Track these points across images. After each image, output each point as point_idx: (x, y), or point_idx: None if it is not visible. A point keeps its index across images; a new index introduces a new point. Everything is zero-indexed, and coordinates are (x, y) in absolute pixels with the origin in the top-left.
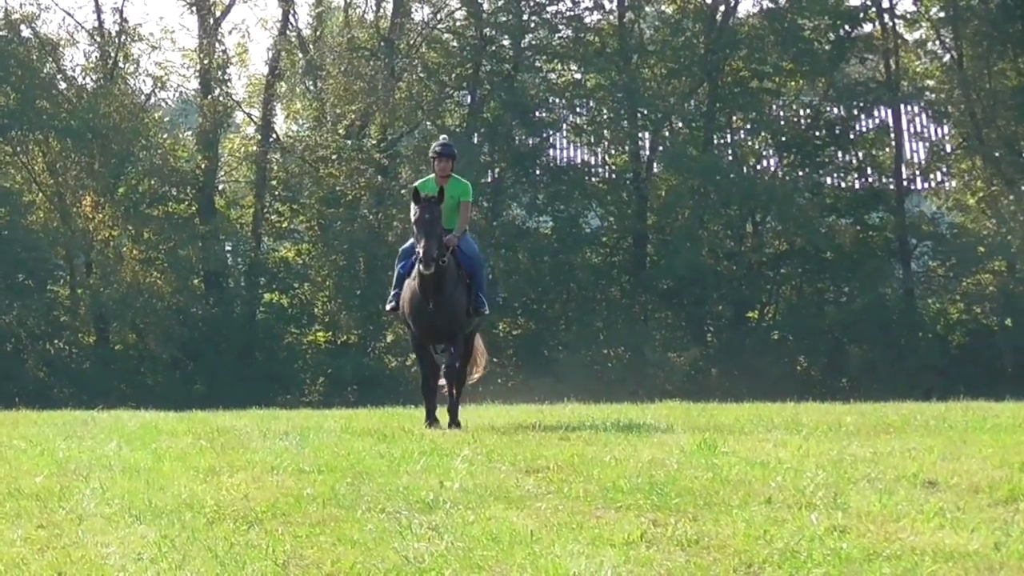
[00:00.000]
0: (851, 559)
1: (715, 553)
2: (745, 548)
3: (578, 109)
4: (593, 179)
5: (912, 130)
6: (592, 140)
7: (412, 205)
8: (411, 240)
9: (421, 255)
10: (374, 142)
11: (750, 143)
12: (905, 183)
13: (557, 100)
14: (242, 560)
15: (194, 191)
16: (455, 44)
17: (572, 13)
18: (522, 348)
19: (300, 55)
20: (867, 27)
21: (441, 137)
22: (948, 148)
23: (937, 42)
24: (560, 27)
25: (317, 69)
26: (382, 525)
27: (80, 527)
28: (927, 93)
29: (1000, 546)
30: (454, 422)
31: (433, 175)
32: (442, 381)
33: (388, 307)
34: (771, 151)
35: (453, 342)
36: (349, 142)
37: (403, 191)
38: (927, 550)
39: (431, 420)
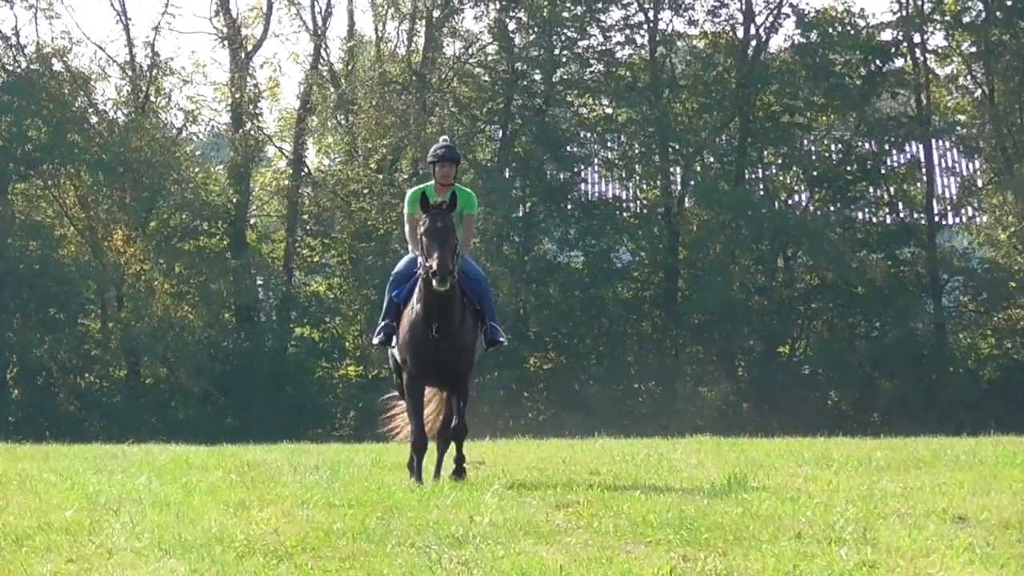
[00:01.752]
0: None
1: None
2: None
3: (609, 143)
4: (624, 214)
5: (943, 165)
6: (623, 175)
7: (411, 215)
8: (402, 263)
9: (435, 268)
10: (405, 176)
11: (781, 178)
12: (936, 218)
13: (588, 135)
14: None
15: (225, 225)
16: (487, 79)
17: (603, 48)
18: (553, 382)
19: (332, 89)
20: (898, 62)
21: (441, 139)
22: (979, 183)
23: (968, 77)
24: (591, 62)
25: (349, 103)
26: (412, 560)
27: (110, 561)
28: (958, 128)
29: None
30: (461, 472)
31: (432, 183)
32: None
33: (376, 339)
34: (802, 186)
35: (459, 387)
36: (380, 176)
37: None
38: None
39: (419, 473)
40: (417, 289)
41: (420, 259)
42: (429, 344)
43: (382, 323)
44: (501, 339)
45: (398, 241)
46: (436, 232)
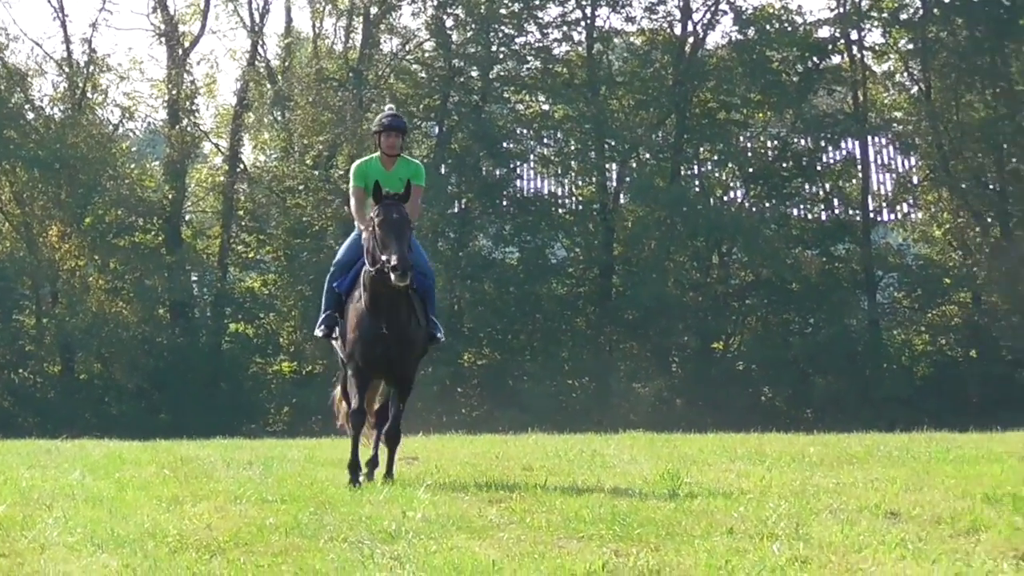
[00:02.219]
0: None
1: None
2: None
3: (545, 140)
4: (560, 210)
5: (879, 162)
6: (559, 171)
7: (356, 187)
8: (343, 251)
9: (394, 262)
10: (341, 172)
11: (717, 174)
12: (872, 215)
13: (525, 131)
14: None
15: (161, 221)
16: (423, 75)
17: (541, 44)
18: (487, 378)
19: (268, 86)
20: (835, 59)
21: (387, 107)
22: (915, 180)
23: (905, 74)
24: (529, 58)
25: (285, 100)
26: (344, 555)
27: (43, 556)
28: (894, 125)
29: None
30: (391, 473)
31: (377, 154)
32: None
33: (319, 332)
34: (738, 182)
35: (405, 383)
36: (316, 172)
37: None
38: None
39: (355, 462)
40: (362, 280)
41: (372, 250)
42: (379, 339)
43: (324, 314)
44: (439, 335)
45: (333, 237)
46: (392, 224)
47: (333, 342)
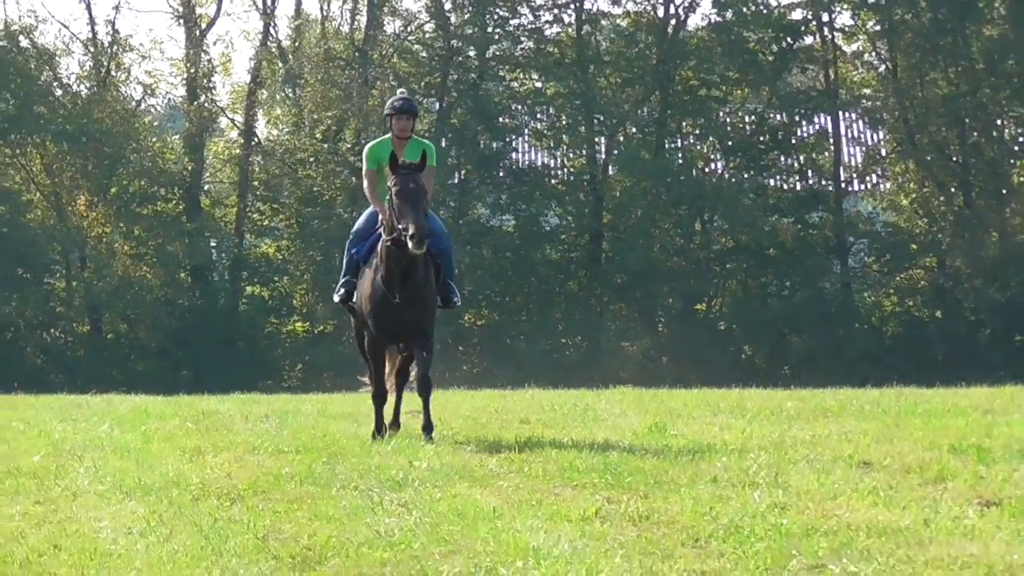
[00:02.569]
0: (791, 534)
1: (664, 528)
2: (692, 524)
3: (538, 115)
4: (552, 181)
5: (849, 135)
6: (551, 144)
7: (369, 170)
8: (362, 220)
9: (413, 231)
10: (349, 146)
11: (699, 147)
12: (843, 185)
13: (519, 107)
14: (225, 534)
15: (181, 191)
16: (424, 55)
17: (533, 26)
18: (486, 338)
19: (280, 64)
20: (808, 39)
21: (399, 91)
22: (883, 152)
23: (873, 53)
24: (522, 39)
25: (296, 78)
26: (355, 502)
27: (74, 503)
28: (863, 101)
29: (929, 522)
30: (429, 436)
31: (389, 135)
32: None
33: (337, 297)
34: (718, 155)
35: (423, 341)
36: (326, 146)
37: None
38: (861, 526)
39: (382, 432)
40: (379, 248)
41: (388, 219)
42: (392, 307)
43: (343, 279)
44: (455, 299)
45: (342, 206)
46: (409, 193)
47: (353, 304)
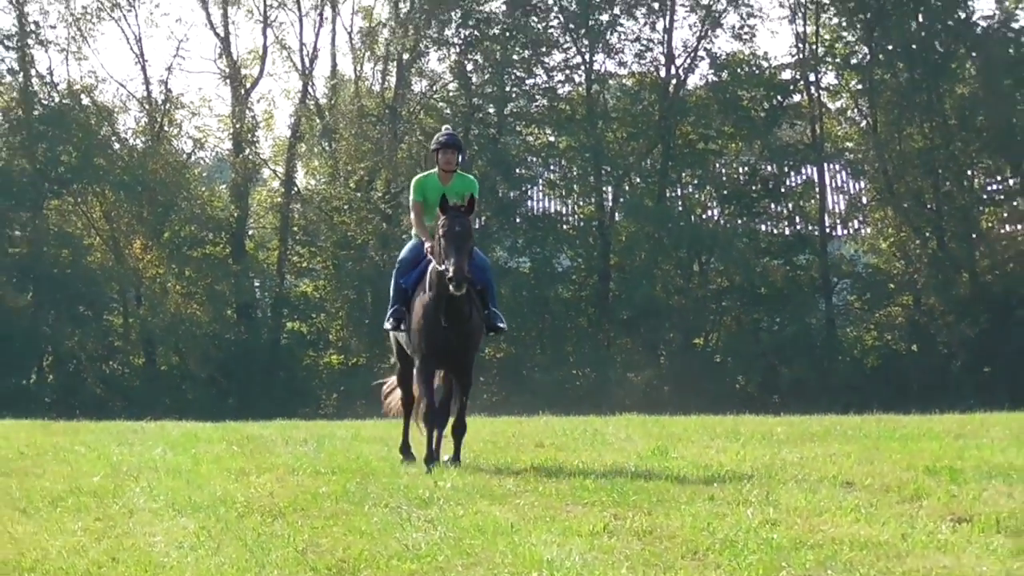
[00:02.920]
0: (781, 548)
1: (666, 542)
2: (691, 538)
3: (552, 167)
4: (564, 226)
5: (833, 185)
6: (563, 193)
7: (416, 202)
8: (407, 249)
9: (452, 273)
10: (380, 194)
11: (697, 196)
12: (827, 230)
13: (534, 159)
14: (268, 548)
15: (227, 236)
16: (448, 112)
17: (547, 85)
18: (504, 369)
19: (317, 120)
20: (796, 97)
21: (444, 127)
22: (864, 200)
23: (855, 110)
24: (537, 97)
25: (332, 132)
26: (386, 518)
27: (131, 520)
28: (846, 153)
29: (906, 537)
30: (458, 459)
31: (435, 170)
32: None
33: (388, 324)
34: (714, 203)
35: (465, 373)
36: (359, 194)
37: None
38: (845, 540)
39: (433, 460)
40: (427, 277)
41: (435, 256)
42: (441, 331)
43: (392, 308)
44: (501, 325)
45: (373, 249)
46: (455, 236)
47: (400, 334)
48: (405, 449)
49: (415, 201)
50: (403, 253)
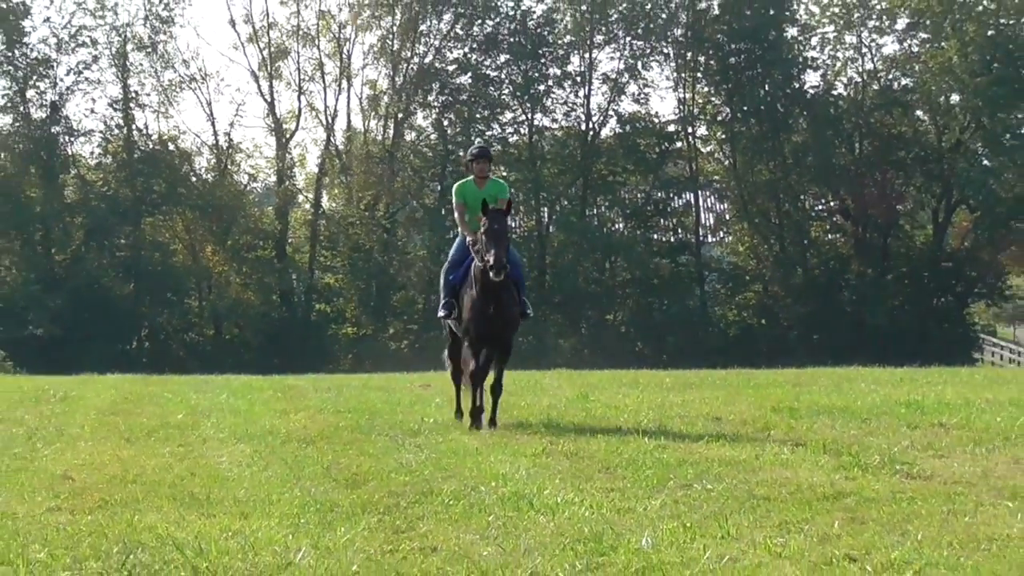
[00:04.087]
0: (669, 464)
1: (587, 460)
2: (605, 458)
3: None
4: (513, 236)
5: (705, 206)
6: (513, 213)
7: (458, 203)
8: (454, 250)
9: (492, 263)
10: (381, 213)
11: (608, 214)
12: (701, 238)
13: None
14: (302, 466)
15: (273, 243)
16: (430, 155)
17: (501, 135)
18: None
19: (337, 161)
20: (678, 144)
21: (477, 141)
22: (727, 217)
23: (721, 153)
24: (495, 143)
25: (347, 169)
26: (386, 444)
27: (204, 446)
28: (714, 184)
29: (759, 456)
30: (495, 423)
31: (471, 177)
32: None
33: (442, 313)
34: (620, 219)
35: (505, 350)
36: (367, 213)
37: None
38: (715, 459)
39: (478, 420)
40: (472, 273)
41: (478, 251)
42: (488, 318)
43: (444, 300)
44: (528, 311)
45: (378, 253)
46: (494, 233)
47: (451, 321)
48: (458, 412)
49: (457, 203)
50: (451, 254)
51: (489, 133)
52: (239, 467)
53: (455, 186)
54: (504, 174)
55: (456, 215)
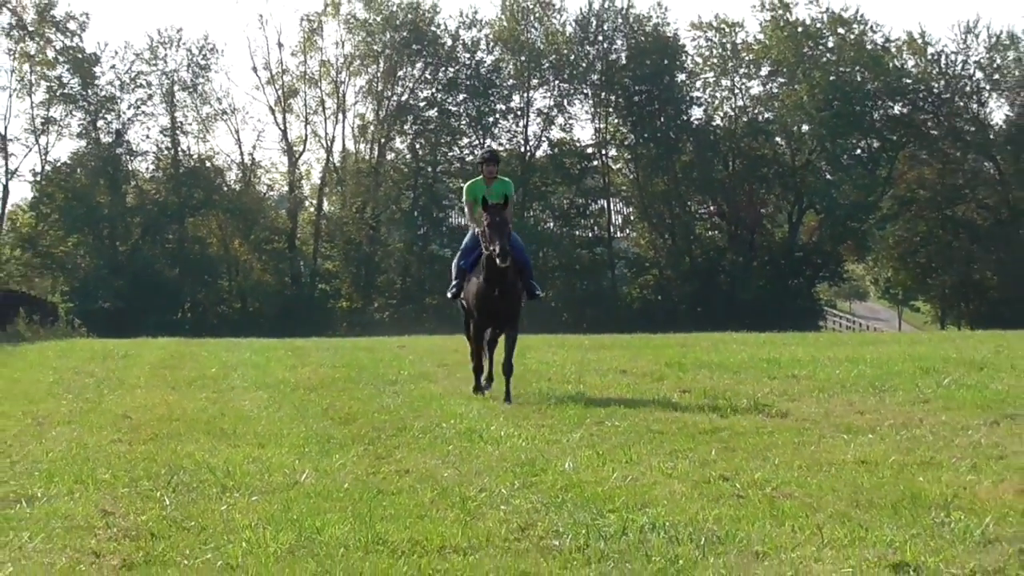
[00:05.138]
0: (587, 406)
1: (524, 404)
2: (537, 402)
3: (458, 203)
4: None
5: (616, 209)
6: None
7: (469, 201)
8: (468, 238)
9: (498, 251)
10: (368, 215)
11: (541, 216)
12: (612, 234)
13: (452, 195)
14: (306, 407)
15: (286, 237)
16: (407, 171)
17: (459, 156)
18: (448, 309)
19: (335, 175)
20: (595, 162)
21: (488, 144)
22: (632, 218)
23: (627, 169)
24: (454, 162)
25: (342, 181)
26: (371, 391)
27: (231, 392)
28: (622, 192)
29: (655, 400)
30: (509, 399)
31: (480, 177)
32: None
33: (450, 294)
34: (551, 220)
35: (513, 327)
36: (357, 215)
37: (453, 195)
38: (621, 402)
39: (480, 387)
40: (481, 260)
41: (484, 242)
42: (493, 300)
43: (454, 282)
44: (538, 292)
45: (366, 246)
46: (496, 225)
47: (460, 301)
48: (476, 389)
49: (468, 200)
50: (464, 242)
51: (451, 154)
52: (258, 409)
53: (466, 185)
54: (462, 185)
55: (466, 210)
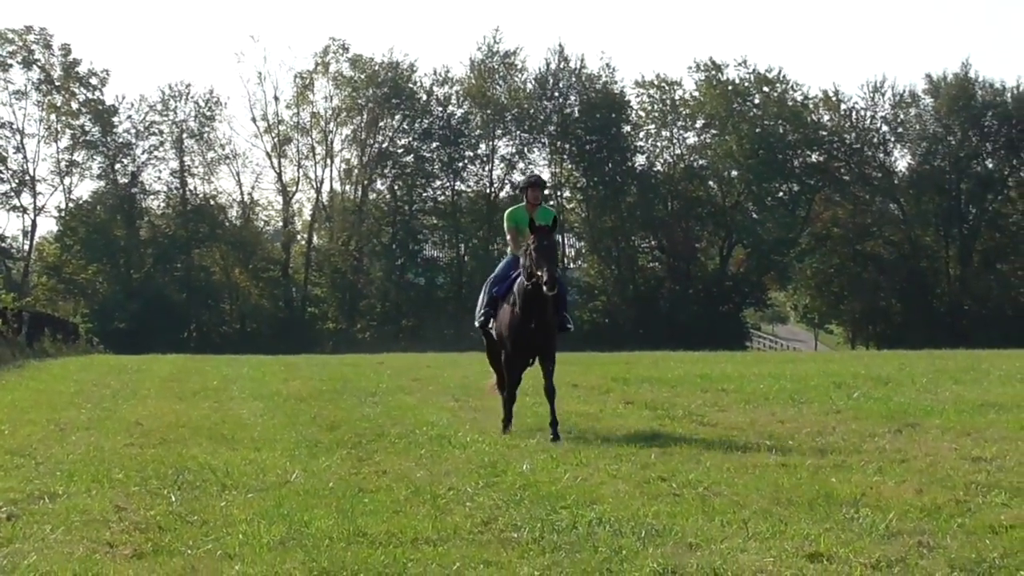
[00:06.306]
0: (542, 416)
1: (487, 413)
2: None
3: (435, 235)
4: (442, 262)
5: (569, 243)
6: (443, 246)
7: (511, 227)
8: (500, 267)
9: (546, 278)
10: (352, 248)
11: (504, 250)
12: (566, 265)
13: (426, 231)
14: (297, 415)
15: (280, 266)
16: (386, 209)
17: (433, 196)
18: (420, 329)
19: (323, 212)
20: (552, 202)
21: (530, 170)
22: (584, 251)
23: (579, 208)
24: (428, 202)
25: (329, 218)
26: (354, 402)
27: (231, 402)
28: (575, 228)
29: (602, 411)
30: (556, 436)
31: (523, 203)
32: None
33: (478, 323)
34: None
35: (550, 359)
36: (343, 247)
37: (427, 230)
38: (572, 413)
39: (510, 424)
40: (516, 290)
41: (527, 267)
42: (529, 332)
43: (484, 310)
44: (569, 326)
45: (350, 275)
46: (544, 249)
47: (489, 328)
48: (505, 425)
49: (509, 227)
50: (497, 270)
51: (425, 194)
52: (254, 417)
53: (507, 212)
54: (435, 222)
55: (508, 238)
